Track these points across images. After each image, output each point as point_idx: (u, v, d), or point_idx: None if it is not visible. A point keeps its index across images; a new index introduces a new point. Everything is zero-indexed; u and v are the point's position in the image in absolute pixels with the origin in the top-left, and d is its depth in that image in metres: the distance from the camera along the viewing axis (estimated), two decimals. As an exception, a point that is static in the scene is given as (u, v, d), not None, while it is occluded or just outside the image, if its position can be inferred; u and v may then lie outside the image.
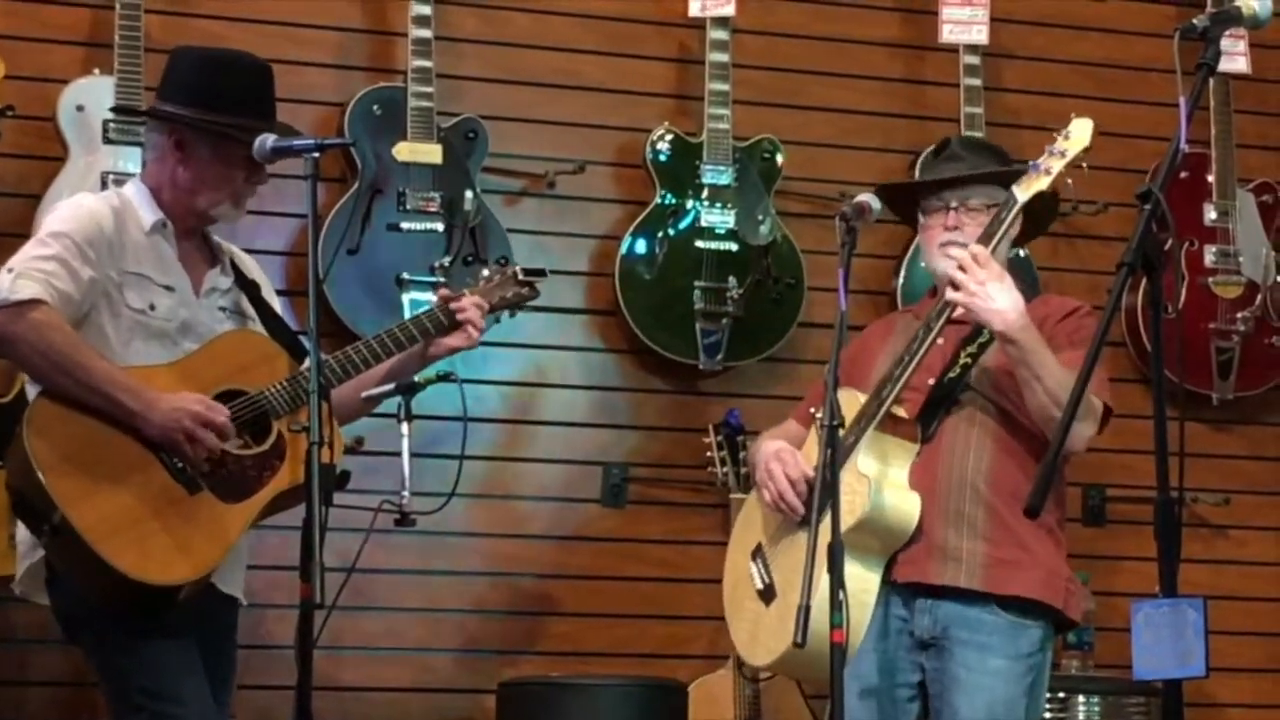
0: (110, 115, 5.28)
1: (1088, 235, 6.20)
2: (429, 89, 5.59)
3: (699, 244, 5.82)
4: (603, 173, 5.93)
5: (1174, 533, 3.27)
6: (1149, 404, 3.37)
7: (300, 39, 5.71)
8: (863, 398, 4.24)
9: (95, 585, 3.93)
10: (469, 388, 4.86)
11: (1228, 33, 3.49)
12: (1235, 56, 6.08)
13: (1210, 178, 6.17)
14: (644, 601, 5.84)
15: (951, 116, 6.04)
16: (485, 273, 4.53)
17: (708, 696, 5.50)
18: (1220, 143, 6.17)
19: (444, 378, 4.55)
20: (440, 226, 5.58)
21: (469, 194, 5.60)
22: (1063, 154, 4.20)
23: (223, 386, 4.07)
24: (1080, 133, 4.22)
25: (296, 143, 4.00)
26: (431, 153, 5.59)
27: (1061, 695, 5.52)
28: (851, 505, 4.07)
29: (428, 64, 5.60)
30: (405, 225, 5.57)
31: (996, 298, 4.09)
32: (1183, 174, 6.09)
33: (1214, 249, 6.15)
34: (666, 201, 5.84)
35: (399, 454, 4.56)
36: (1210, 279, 6.14)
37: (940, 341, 4.25)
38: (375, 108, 5.61)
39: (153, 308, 4.12)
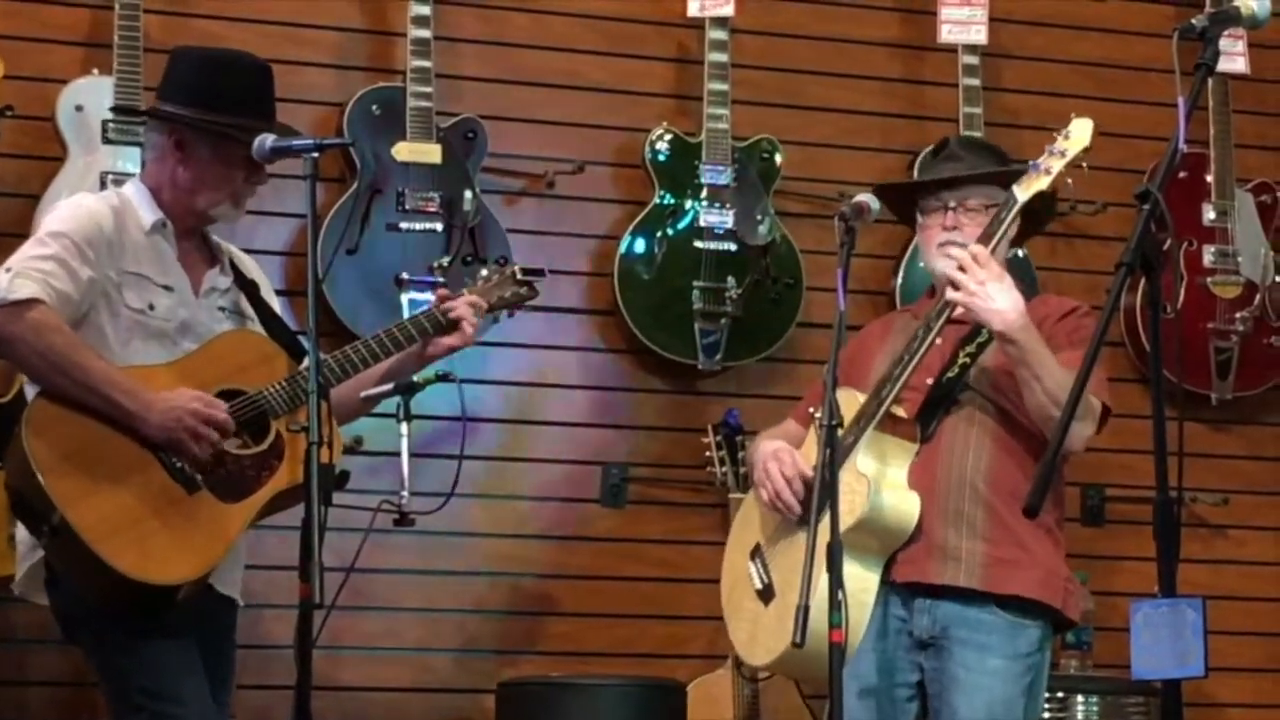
0: (109, 115, 5.29)
1: (1086, 235, 6.21)
2: (428, 89, 5.59)
3: (698, 244, 5.82)
4: (602, 173, 5.93)
5: (1173, 532, 3.27)
6: (1148, 404, 3.38)
7: (299, 39, 5.71)
8: (861, 397, 4.24)
9: (94, 585, 3.93)
10: (468, 388, 4.86)
11: (1226, 33, 3.49)
12: (1234, 56, 6.08)
13: (1209, 178, 6.17)
14: (643, 601, 5.84)
15: (950, 116, 6.04)
16: (484, 272, 4.53)
17: (707, 696, 5.51)
18: (1219, 143, 6.17)
19: (443, 378, 4.55)
20: (439, 226, 5.58)
21: (468, 194, 5.60)
22: (1063, 154, 4.20)
23: (221, 386, 4.07)
24: (1080, 133, 4.22)
25: (296, 143, 4.00)
26: (431, 153, 5.59)
27: (1060, 695, 5.52)
28: (851, 505, 4.07)
29: (427, 64, 5.60)
30: (404, 225, 5.57)
31: (996, 298, 4.09)
32: (1181, 174, 6.09)
33: (1213, 249, 6.15)
34: (665, 201, 5.84)
35: (398, 454, 4.57)
36: (1209, 279, 6.14)
37: (939, 341, 4.25)
38: (374, 108, 5.61)
39: (152, 307, 4.12)
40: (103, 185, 5.15)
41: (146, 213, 4.17)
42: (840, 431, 3.92)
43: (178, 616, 3.96)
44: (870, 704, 4.22)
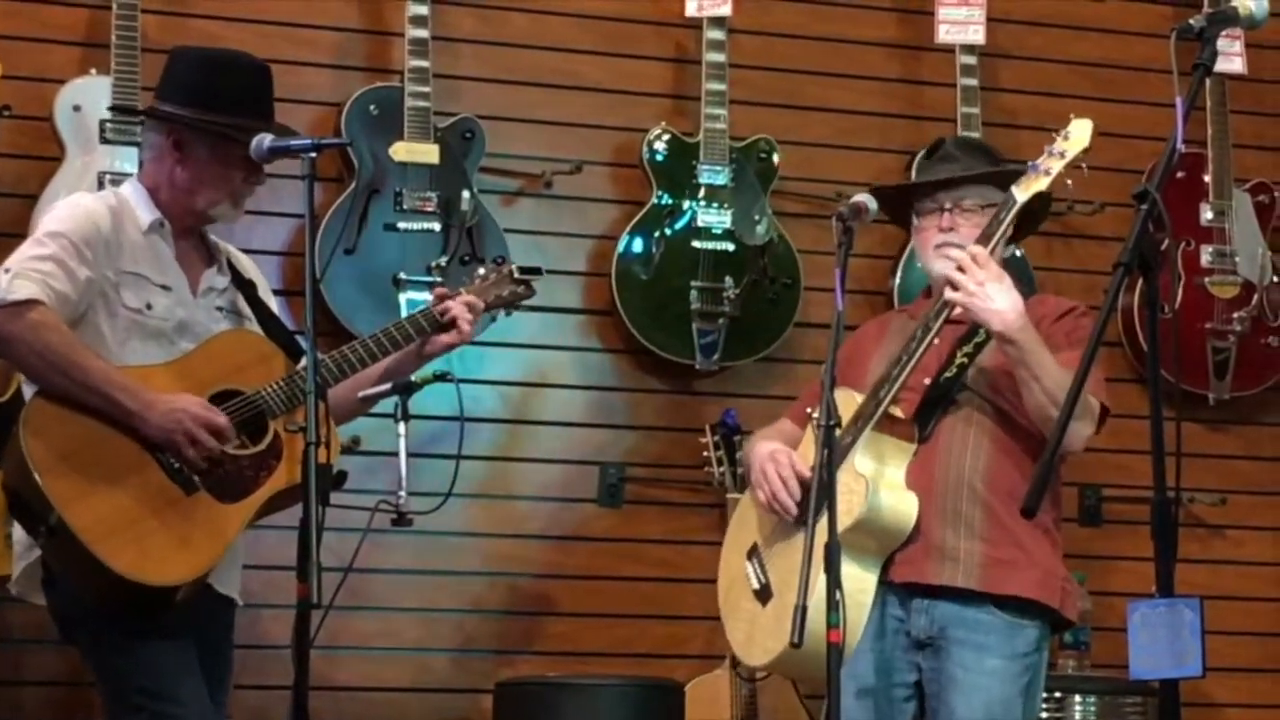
0: (107, 115, 5.28)
1: (1084, 235, 6.21)
2: (426, 89, 5.59)
3: (695, 244, 5.82)
4: (599, 173, 5.93)
5: (1171, 533, 3.27)
6: (1145, 404, 3.37)
7: (297, 39, 5.71)
8: (858, 398, 4.24)
9: (92, 586, 3.92)
10: (466, 388, 4.87)
11: (1224, 33, 3.49)
12: (1232, 57, 6.08)
13: (1207, 178, 6.17)
14: (641, 601, 5.84)
15: (948, 117, 6.04)
16: (481, 271, 4.53)
17: (704, 696, 5.50)
18: (1217, 143, 6.17)
19: (440, 377, 4.55)
20: (437, 226, 5.58)
21: (466, 194, 5.60)
22: (1062, 154, 4.19)
23: (219, 386, 4.07)
24: (1080, 133, 4.21)
25: (293, 143, 4.00)
26: (428, 153, 5.59)
27: (1058, 695, 5.52)
28: (849, 505, 4.08)
29: (425, 64, 5.60)
30: (402, 225, 5.57)
31: (996, 298, 4.09)
32: (1179, 174, 6.09)
33: (1210, 249, 6.15)
34: (663, 201, 5.84)
35: (396, 454, 4.58)
36: (1207, 279, 6.14)
37: (936, 341, 4.25)
38: (372, 108, 5.61)
39: (149, 307, 4.12)
40: (100, 185, 5.15)
41: (144, 212, 4.17)
42: (838, 432, 3.92)
43: (176, 617, 3.96)
44: (868, 704, 4.22)
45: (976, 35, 6.07)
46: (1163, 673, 3.32)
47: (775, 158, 5.93)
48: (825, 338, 4.02)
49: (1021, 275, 5.52)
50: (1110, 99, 6.17)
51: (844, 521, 3.96)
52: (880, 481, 4.18)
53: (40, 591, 4.09)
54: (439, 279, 5.42)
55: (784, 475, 4.24)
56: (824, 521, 3.80)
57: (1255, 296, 6.15)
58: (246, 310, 4.30)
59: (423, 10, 5.61)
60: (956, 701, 4.16)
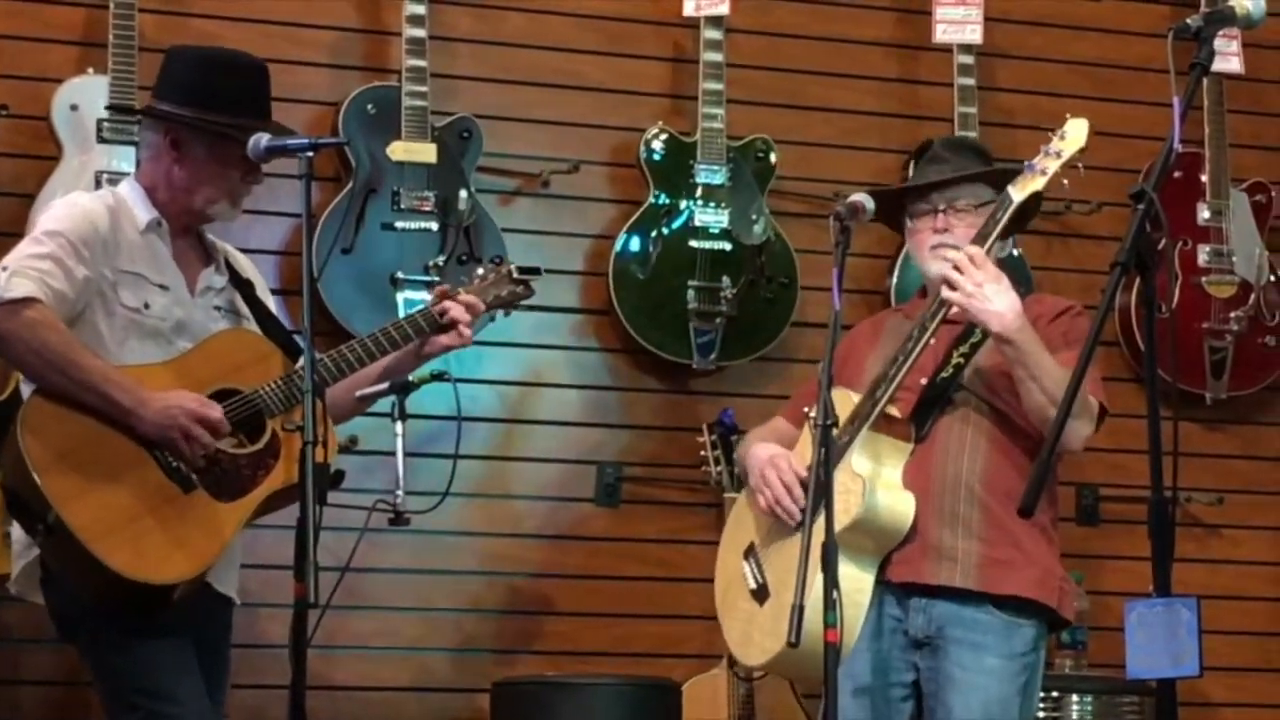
0: (105, 114, 5.28)
1: (1081, 235, 6.21)
2: (423, 88, 5.59)
3: (693, 243, 5.82)
4: (597, 172, 5.93)
5: (1168, 532, 3.28)
6: (1142, 403, 3.37)
7: (295, 38, 5.71)
8: (855, 397, 4.24)
9: (90, 584, 3.92)
10: (463, 387, 4.87)
11: (1221, 32, 3.50)
12: (1229, 56, 6.08)
13: (1204, 177, 6.17)
14: (638, 601, 5.84)
15: (946, 116, 6.04)
16: (479, 271, 4.53)
17: (702, 696, 5.50)
18: (1214, 142, 6.18)
19: (438, 377, 4.55)
20: (435, 226, 5.58)
21: (463, 193, 5.60)
22: (1058, 154, 4.19)
23: (217, 385, 4.07)
24: (1076, 133, 4.21)
25: (291, 142, 4.00)
26: (426, 152, 5.58)
27: (1055, 694, 5.52)
28: (846, 505, 4.08)
29: (422, 63, 5.60)
30: (400, 224, 5.57)
31: (994, 299, 4.09)
32: (1176, 174, 6.09)
33: (1207, 248, 6.15)
34: (660, 201, 5.84)
35: (393, 453, 4.58)
36: (1204, 278, 6.14)
37: (932, 341, 4.24)
38: (370, 107, 5.60)
39: (147, 306, 4.12)
40: (98, 184, 5.15)
41: (141, 212, 4.17)
42: (835, 431, 3.92)
43: (173, 616, 3.96)
44: (865, 703, 4.22)
45: (974, 35, 6.07)
46: (1160, 672, 3.32)
47: (772, 157, 5.93)
48: (822, 337, 4.03)
49: (1019, 275, 5.52)
50: (1107, 99, 6.17)
51: (841, 521, 3.97)
52: (877, 481, 4.18)
53: (39, 590, 4.09)
54: (436, 278, 5.41)
55: (787, 481, 4.23)
56: (821, 521, 3.80)
57: (1252, 296, 6.15)
58: (244, 309, 4.30)
59: (420, 9, 5.61)
60: (954, 701, 4.16)
